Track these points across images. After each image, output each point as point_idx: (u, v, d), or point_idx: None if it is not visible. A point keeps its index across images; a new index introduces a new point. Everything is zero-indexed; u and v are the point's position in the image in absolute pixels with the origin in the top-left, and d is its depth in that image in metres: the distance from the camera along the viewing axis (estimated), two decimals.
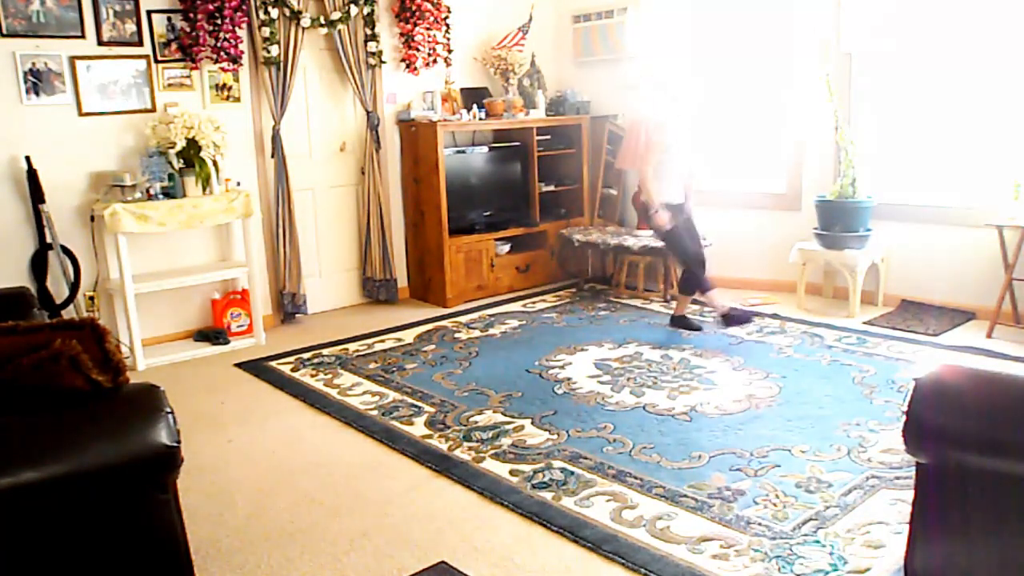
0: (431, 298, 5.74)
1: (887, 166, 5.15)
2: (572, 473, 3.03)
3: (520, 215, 6.04)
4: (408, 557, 2.52)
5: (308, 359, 4.55)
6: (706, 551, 2.48)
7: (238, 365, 4.52)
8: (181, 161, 4.52)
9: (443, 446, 3.33)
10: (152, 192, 4.52)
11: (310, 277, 5.47)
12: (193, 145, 4.45)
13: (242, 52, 4.86)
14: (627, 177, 6.26)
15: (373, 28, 5.37)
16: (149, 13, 4.63)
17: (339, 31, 5.23)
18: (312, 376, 4.27)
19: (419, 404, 3.80)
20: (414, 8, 5.51)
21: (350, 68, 5.34)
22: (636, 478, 2.97)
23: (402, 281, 5.88)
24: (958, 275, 4.84)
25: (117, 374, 1.93)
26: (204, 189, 4.60)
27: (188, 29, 4.70)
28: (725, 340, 4.57)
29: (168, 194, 4.57)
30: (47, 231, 4.36)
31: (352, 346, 4.75)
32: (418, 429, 3.52)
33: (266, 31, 4.91)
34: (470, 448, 3.29)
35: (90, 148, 4.53)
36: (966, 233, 4.75)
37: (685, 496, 2.82)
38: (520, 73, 5.99)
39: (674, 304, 5.02)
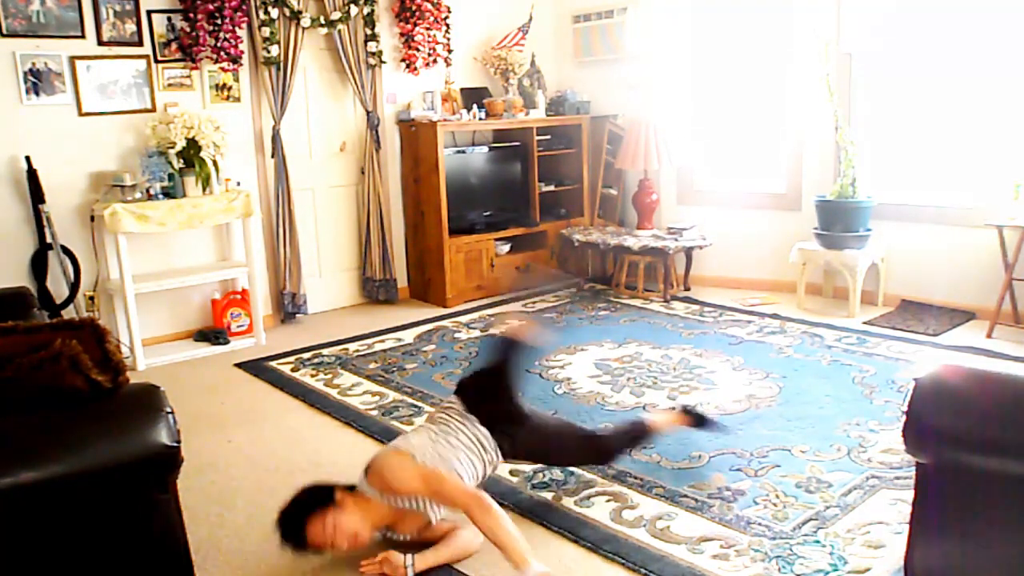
0: (431, 298, 5.74)
1: (887, 166, 5.15)
2: (572, 473, 3.02)
3: (520, 215, 6.03)
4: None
5: (308, 359, 4.55)
6: (706, 551, 2.48)
7: (238, 365, 4.52)
8: (181, 161, 4.52)
9: None
10: (152, 192, 4.52)
11: (310, 277, 5.47)
12: (193, 145, 4.45)
13: (242, 52, 4.86)
14: (627, 177, 6.26)
15: (373, 28, 5.37)
16: (149, 13, 4.63)
17: (339, 31, 5.23)
18: (312, 376, 4.27)
19: (419, 404, 3.79)
20: (414, 8, 5.51)
21: (350, 68, 5.34)
22: (636, 478, 2.96)
23: (402, 281, 5.88)
24: (958, 275, 4.84)
25: (117, 374, 1.93)
26: (204, 189, 4.60)
27: (188, 29, 4.70)
28: (725, 340, 4.56)
29: (168, 194, 4.57)
30: (47, 231, 4.36)
31: (352, 346, 4.75)
32: None
33: (266, 31, 4.91)
34: None
35: (90, 148, 4.53)
36: (966, 233, 4.74)
37: (685, 496, 2.82)
38: (520, 73, 5.98)
39: (674, 304, 4.98)
